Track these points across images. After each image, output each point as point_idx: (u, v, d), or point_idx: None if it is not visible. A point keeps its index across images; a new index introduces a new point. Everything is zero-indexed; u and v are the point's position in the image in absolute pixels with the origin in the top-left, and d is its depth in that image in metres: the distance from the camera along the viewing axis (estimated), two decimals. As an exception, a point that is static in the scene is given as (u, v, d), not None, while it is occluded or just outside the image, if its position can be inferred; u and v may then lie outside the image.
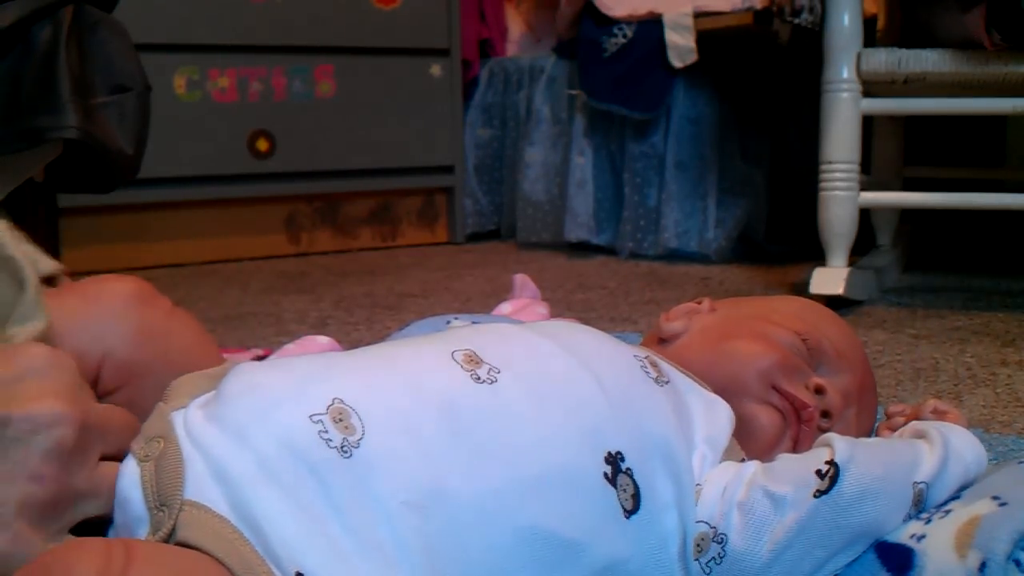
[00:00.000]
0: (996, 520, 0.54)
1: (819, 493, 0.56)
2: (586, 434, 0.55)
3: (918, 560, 0.56)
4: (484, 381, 0.55)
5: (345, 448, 0.49)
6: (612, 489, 0.54)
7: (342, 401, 0.51)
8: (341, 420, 0.50)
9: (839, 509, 0.56)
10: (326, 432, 0.50)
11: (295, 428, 0.50)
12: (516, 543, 0.51)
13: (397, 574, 0.48)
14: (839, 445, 0.58)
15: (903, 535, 0.57)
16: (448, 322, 0.80)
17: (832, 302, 1.62)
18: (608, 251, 2.40)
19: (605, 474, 0.55)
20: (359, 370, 0.55)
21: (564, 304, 1.75)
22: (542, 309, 1.07)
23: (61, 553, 0.44)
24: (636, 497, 0.55)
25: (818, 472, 0.57)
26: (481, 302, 1.76)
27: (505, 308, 1.06)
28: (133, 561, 0.43)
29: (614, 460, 0.55)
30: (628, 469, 0.55)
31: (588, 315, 1.64)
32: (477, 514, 0.50)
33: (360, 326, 1.59)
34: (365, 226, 2.57)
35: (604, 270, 2.18)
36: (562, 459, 0.54)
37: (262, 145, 2.36)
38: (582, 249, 2.44)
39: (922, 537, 0.57)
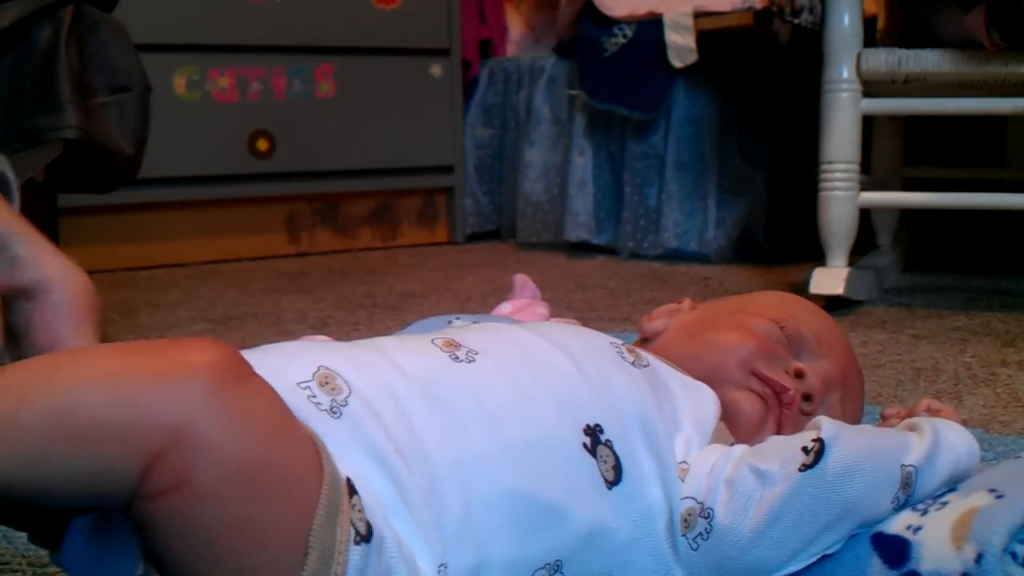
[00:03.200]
0: (993, 512, 0.55)
1: (805, 467, 0.57)
2: (564, 407, 0.56)
3: (914, 551, 0.56)
4: (462, 361, 0.57)
5: (334, 409, 0.50)
6: (592, 459, 0.55)
7: (327, 368, 0.52)
8: (328, 383, 0.51)
9: (825, 484, 0.57)
10: (315, 396, 0.50)
11: (284, 395, 0.50)
12: (495, 504, 0.52)
13: (398, 523, 0.48)
14: (826, 424, 0.59)
15: (899, 526, 0.58)
16: (449, 322, 0.81)
17: (832, 302, 1.62)
18: (608, 251, 2.40)
19: (584, 444, 0.56)
20: (342, 350, 0.56)
21: (564, 304, 1.75)
22: (542, 309, 1.07)
23: (191, 338, 0.46)
24: (618, 469, 0.56)
25: (804, 448, 0.58)
26: (481, 302, 1.76)
27: (505, 308, 1.06)
28: (252, 373, 0.46)
29: (593, 432, 0.56)
30: (608, 441, 0.56)
31: (588, 315, 1.64)
32: (454, 474, 0.51)
33: (360, 326, 1.59)
34: (365, 226, 2.57)
35: (604, 270, 2.18)
36: (540, 429, 0.55)
37: (262, 145, 2.36)
38: (582, 249, 2.44)
39: (918, 529, 0.57)
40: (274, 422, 0.45)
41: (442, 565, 0.49)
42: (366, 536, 0.46)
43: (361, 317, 1.67)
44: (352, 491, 0.46)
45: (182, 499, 0.42)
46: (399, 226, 2.61)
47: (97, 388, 0.41)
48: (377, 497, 0.48)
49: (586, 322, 0.74)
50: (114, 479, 0.41)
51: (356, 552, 0.45)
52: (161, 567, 0.44)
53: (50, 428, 0.40)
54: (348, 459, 0.48)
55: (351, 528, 0.45)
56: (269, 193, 2.39)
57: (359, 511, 0.46)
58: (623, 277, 2.08)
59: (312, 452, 0.45)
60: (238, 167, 2.33)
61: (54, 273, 0.51)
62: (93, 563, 0.48)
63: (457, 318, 0.83)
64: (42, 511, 0.47)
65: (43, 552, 0.74)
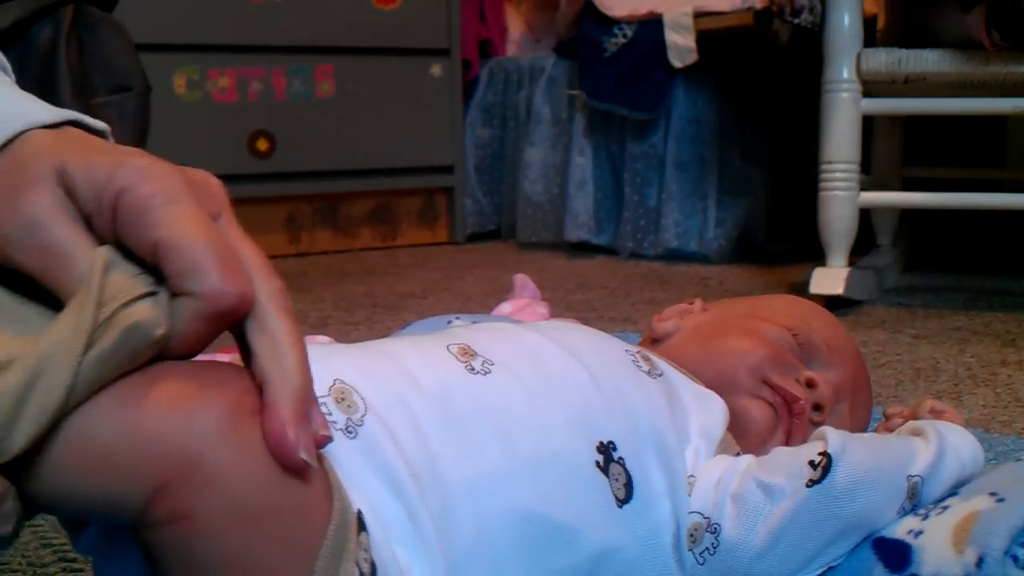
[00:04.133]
0: (994, 516, 0.55)
1: (812, 483, 0.57)
2: (578, 424, 0.56)
3: (915, 556, 0.56)
4: (478, 372, 0.55)
5: (350, 428, 0.49)
6: (605, 478, 0.55)
7: (343, 381, 0.51)
8: (344, 399, 0.50)
9: (832, 499, 0.56)
10: (330, 415, 0.49)
11: None
12: (507, 526, 0.51)
13: (406, 550, 0.48)
14: (832, 437, 0.59)
15: (900, 530, 0.58)
16: (449, 322, 0.80)
17: (832, 302, 1.62)
18: (608, 251, 2.40)
19: (597, 463, 0.55)
20: (357, 359, 0.55)
21: (564, 304, 1.75)
22: (542, 309, 1.07)
23: (211, 366, 0.43)
24: (629, 486, 0.56)
25: (811, 463, 0.58)
26: (481, 302, 1.76)
27: (505, 308, 1.06)
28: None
29: (606, 449, 0.56)
30: (620, 459, 0.56)
31: (588, 315, 1.64)
32: (467, 496, 0.51)
33: (360, 326, 1.59)
34: (365, 226, 2.57)
35: (604, 270, 2.18)
36: (554, 447, 0.54)
37: (262, 145, 2.36)
38: (582, 249, 2.44)
39: (919, 533, 0.57)
40: None
41: None
42: None
43: (361, 317, 1.67)
44: (361, 526, 0.45)
45: (182, 532, 0.41)
46: (399, 226, 2.61)
47: (109, 415, 0.40)
48: (387, 525, 0.47)
49: (586, 322, 0.74)
50: (119, 506, 0.41)
51: None
52: None
53: (63, 453, 0.39)
54: (361, 483, 0.47)
55: (355, 568, 0.44)
56: (269, 193, 2.39)
57: (365, 550, 0.45)
58: (623, 277, 2.08)
59: (323, 490, 0.44)
60: (238, 167, 2.33)
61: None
62: (101, 564, 0.48)
63: (457, 318, 0.82)
64: None
65: (43, 552, 0.74)
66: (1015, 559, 0.53)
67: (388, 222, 2.60)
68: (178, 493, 0.40)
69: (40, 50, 1.00)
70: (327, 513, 0.43)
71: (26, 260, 0.42)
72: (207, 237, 0.41)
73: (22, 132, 0.44)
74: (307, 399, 0.43)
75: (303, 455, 0.42)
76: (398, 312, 1.70)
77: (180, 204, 0.42)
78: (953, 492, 0.60)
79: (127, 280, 0.40)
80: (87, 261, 0.41)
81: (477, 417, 0.53)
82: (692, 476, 0.59)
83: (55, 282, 0.41)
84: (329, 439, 0.43)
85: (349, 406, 0.50)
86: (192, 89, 2.27)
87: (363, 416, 0.50)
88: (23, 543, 0.76)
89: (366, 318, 1.66)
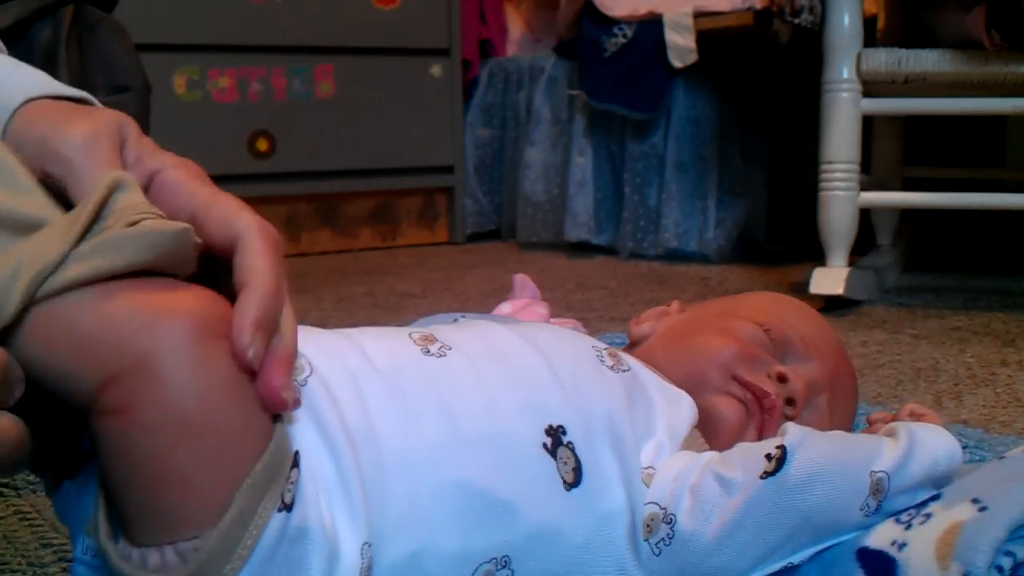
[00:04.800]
0: (976, 528, 0.54)
1: (766, 474, 0.56)
2: (527, 406, 0.56)
3: (900, 572, 0.55)
4: (433, 355, 0.57)
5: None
6: (551, 460, 0.55)
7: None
8: None
9: (785, 491, 0.56)
10: None
11: None
12: (442, 497, 0.52)
13: (331, 503, 0.49)
14: (792, 431, 0.59)
15: (883, 541, 0.57)
16: (455, 319, 0.81)
17: (832, 302, 1.62)
18: (608, 251, 2.40)
19: (544, 445, 0.56)
20: (315, 336, 0.57)
21: (564, 304, 1.75)
22: (542, 309, 1.07)
23: (193, 285, 0.47)
24: (577, 471, 0.56)
25: (767, 456, 0.58)
26: (481, 302, 1.76)
27: (505, 308, 1.06)
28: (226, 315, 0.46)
29: (555, 433, 0.56)
30: (570, 443, 0.56)
31: (588, 315, 1.64)
32: (401, 465, 0.52)
33: (360, 326, 1.59)
34: (365, 226, 2.57)
35: (604, 270, 2.18)
36: (499, 426, 0.55)
37: (262, 145, 2.36)
38: (582, 249, 2.44)
39: (903, 545, 0.56)
40: (234, 385, 0.45)
41: (366, 544, 0.49)
42: (288, 507, 0.46)
43: (361, 317, 1.67)
44: (295, 465, 0.47)
45: (121, 425, 0.43)
46: (399, 226, 2.61)
47: (87, 301, 0.43)
48: (316, 475, 0.49)
49: (586, 322, 0.74)
50: (74, 386, 0.43)
51: (276, 519, 0.46)
52: (106, 487, 0.46)
53: (37, 323, 0.42)
54: (298, 433, 0.49)
55: (279, 500, 0.46)
56: (269, 193, 2.39)
57: (292, 483, 0.47)
58: (623, 277, 2.08)
59: (265, 423, 0.46)
60: (238, 167, 2.33)
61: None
62: (72, 512, 0.51)
63: (463, 316, 0.82)
64: (49, 456, 0.49)
65: (43, 552, 0.74)
66: (1000, 569, 0.52)
67: (388, 222, 2.60)
68: (127, 386, 0.43)
69: (40, 50, 1.01)
70: (261, 447, 0.46)
71: (56, 171, 0.48)
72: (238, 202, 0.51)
73: (59, 97, 0.52)
74: (275, 315, 0.48)
75: (284, 395, 0.46)
76: (398, 312, 1.70)
77: (205, 184, 0.51)
78: (935, 496, 0.59)
79: (144, 202, 0.46)
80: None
81: (423, 393, 0.54)
82: (651, 468, 0.59)
83: (80, 192, 0.47)
84: (298, 402, 0.47)
85: (295, 368, 0.51)
86: (192, 89, 2.27)
87: (307, 377, 0.52)
88: (23, 543, 0.76)
89: (366, 318, 1.66)
